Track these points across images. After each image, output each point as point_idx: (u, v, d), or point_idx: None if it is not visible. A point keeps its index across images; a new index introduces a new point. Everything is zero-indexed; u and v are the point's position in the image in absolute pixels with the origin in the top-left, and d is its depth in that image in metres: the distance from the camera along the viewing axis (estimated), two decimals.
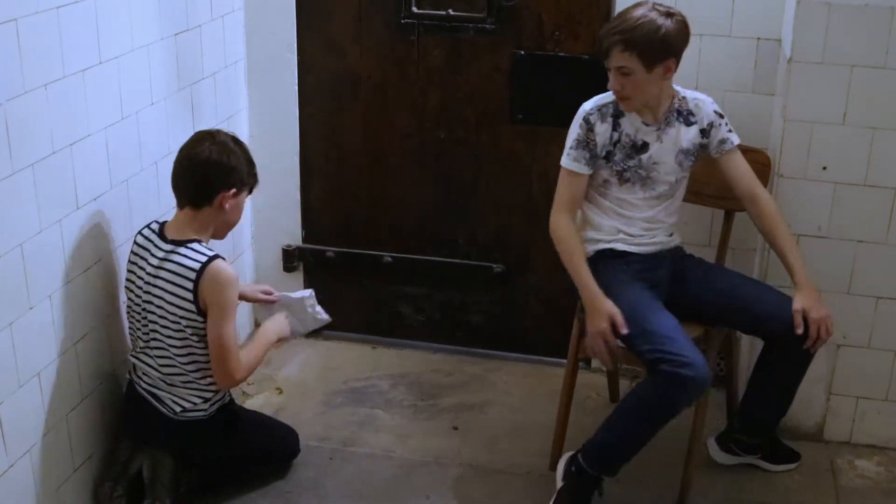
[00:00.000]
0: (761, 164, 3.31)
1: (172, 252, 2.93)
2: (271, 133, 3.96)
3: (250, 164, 3.05)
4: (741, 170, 3.15)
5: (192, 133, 3.43)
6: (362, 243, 4.07)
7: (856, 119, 3.20)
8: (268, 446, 3.28)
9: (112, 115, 2.99)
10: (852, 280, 3.35)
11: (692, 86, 3.46)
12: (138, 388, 3.03)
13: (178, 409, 3.01)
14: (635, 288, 3.07)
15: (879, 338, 3.40)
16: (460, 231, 3.97)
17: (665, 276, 3.19)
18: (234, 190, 2.98)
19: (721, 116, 3.13)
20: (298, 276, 4.15)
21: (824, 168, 3.26)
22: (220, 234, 3.09)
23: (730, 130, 3.13)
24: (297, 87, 3.91)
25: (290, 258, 4.11)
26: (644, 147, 3.12)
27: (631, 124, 3.11)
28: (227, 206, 2.98)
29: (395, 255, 4.04)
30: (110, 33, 2.93)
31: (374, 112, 3.89)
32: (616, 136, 3.11)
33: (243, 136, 3.88)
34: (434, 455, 3.46)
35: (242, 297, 3.29)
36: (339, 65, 3.86)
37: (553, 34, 3.65)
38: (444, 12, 3.72)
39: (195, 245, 2.94)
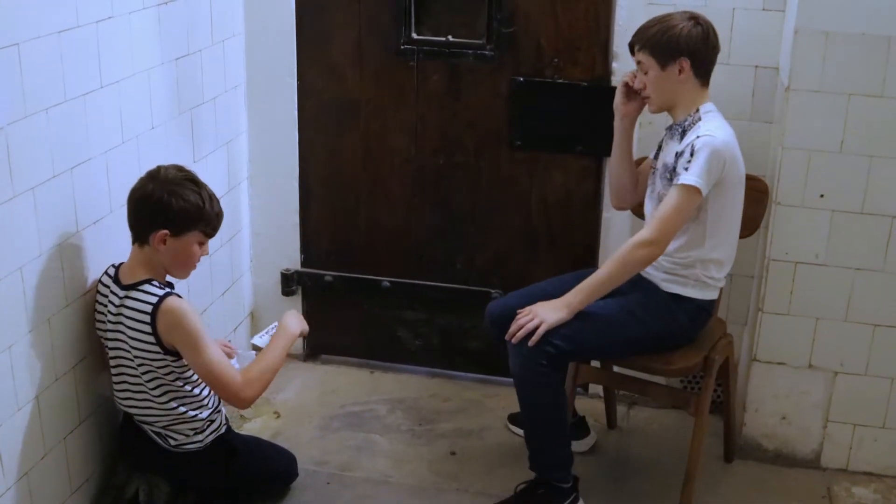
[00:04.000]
0: (759, 191, 3.32)
1: (126, 297, 2.86)
2: (271, 157, 3.97)
3: (199, 209, 2.86)
4: (662, 208, 3.02)
5: (191, 157, 3.47)
6: (361, 268, 4.07)
7: (853, 147, 3.22)
8: (265, 472, 3.27)
9: (113, 139, 3.00)
10: (849, 307, 3.35)
11: None
12: (134, 419, 3.02)
13: (172, 441, 2.99)
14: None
15: (876, 365, 3.40)
16: (459, 256, 3.98)
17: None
18: (162, 232, 2.84)
19: (692, 153, 2.97)
20: (297, 300, 4.15)
21: (821, 196, 3.28)
22: (171, 273, 2.97)
23: (687, 169, 2.96)
24: (296, 112, 3.92)
25: (289, 282, 4.11)
26: (659, 148, 3.23)
27: (666, 126, 3.23)
28: (159, 247, 2.85)
29: (393, 279, 4.04)
30: (111, 58, 2.94)
31: (373, 137, 3.90)
32: (665, 133, 3.23)
33: (242, 160, 3.92)
34: (432, 480, 3.45)
35: None
36: (339, 90, 3.88)
37: (552, 60, 3.66)
38: (443, 38, 3.74)
39: (146, 286, 2.86)
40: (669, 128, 3.17)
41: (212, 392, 3.03)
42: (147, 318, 2.84)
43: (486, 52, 3.71)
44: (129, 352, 2.89)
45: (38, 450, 2.75)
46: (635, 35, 3.11)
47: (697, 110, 3.09)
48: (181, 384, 2.94)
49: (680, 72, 3.05)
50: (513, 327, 3.03)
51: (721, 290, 3.26)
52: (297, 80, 3.88)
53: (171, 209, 2.83)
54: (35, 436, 2.74)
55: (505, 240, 3.92)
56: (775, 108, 3.44)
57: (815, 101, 3.20)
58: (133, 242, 2.92)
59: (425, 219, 3.96)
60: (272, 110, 3.92)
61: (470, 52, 3.73)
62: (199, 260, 2.99)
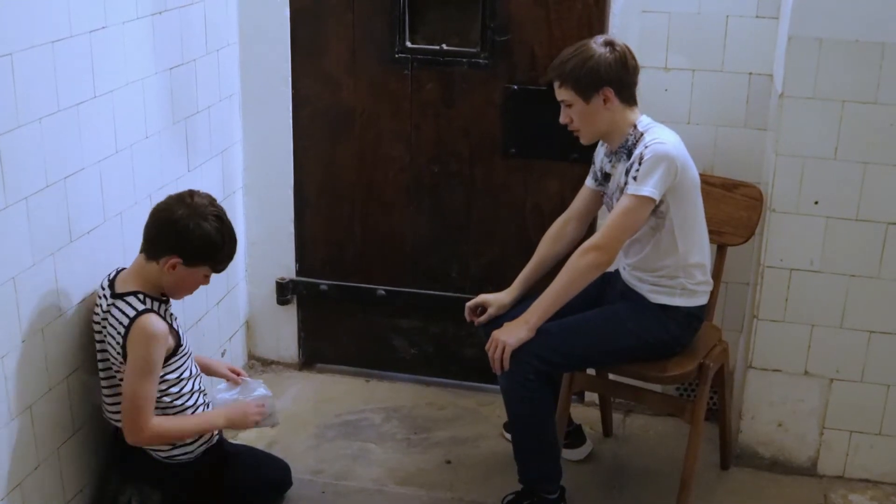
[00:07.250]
0: (753, 198, 3.33)
1: (112, 305, 2.86)
2: (265, 166, 3.97)
3: (214, 247, 2.86)
4: (611, 215, 3.03)
5: (185, 167, 3.46)
6: (356, 276, 4.07)
7: (847, 154, 3.22)
8: (259, 482, 3.25)
9: (106, 149, 3.00)
10: (845, 314, 3.35)
11: (684, 120, 3.49)
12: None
13: (162, 453, 2.98)
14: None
15: (872, 372, 3.39)
16: (454, 264, 3.98)
17: (610, 295, 3.27)
18: (175, 259, 2.84)
19: (640, 162, 2.95)
20: (292, 308, 4.14)
21: (816, 202, 3.27)
22: (168, 293, 2.96)
23: (636, 178, 2.95)
24: (291, 121, 3.92)
25: (284, 291, 4.10)
26: (607, 177, 3.20)
27: (606, 153, 3.19)
28: (167, 271, 2.85)
29: (388, 288, 4.04)
30: (105, 67, 2.94)
31: (367, 145, 3.90)
32: (606, 161, 3.19)
33: (237, 170, 3.92)
34: (427, 489, 3.45)
35: (207, 371, 3.22)
36: (334, 98, 3.88)
37: (546, 69, 3.66)
38: (437, 47, 3.74)
39: (131, 298, 2.85)
40: (615, 153, 3.13)
41: (199, 403, 3.02)
42: (122, 331, 2.83)
43: (481, 61, 3.72)
44: (110, 359, 2.89)
45: (31, 460, 2.75)
46: (553, 70, 3.08)
47: (635, 127, 3.06)
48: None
49: (605, 101, 3.02)
50: (487, 348, 3.06)
51: (712, 293, 3.26)
52: (292, 88, 3.88)
53: (192, 240, 2.83)
54: (28, 446, 2.73)
55: (500, 248, 3.91)
56: (769, 114, 3.45)
57: (810, 108, 3.20)
58: (141, 251, 2.91)
59: (420, 227, 3.96)
60: (267, 119, 3.92)
61: (464, 60, 3.73)
62: (198, 288, 3.00)
